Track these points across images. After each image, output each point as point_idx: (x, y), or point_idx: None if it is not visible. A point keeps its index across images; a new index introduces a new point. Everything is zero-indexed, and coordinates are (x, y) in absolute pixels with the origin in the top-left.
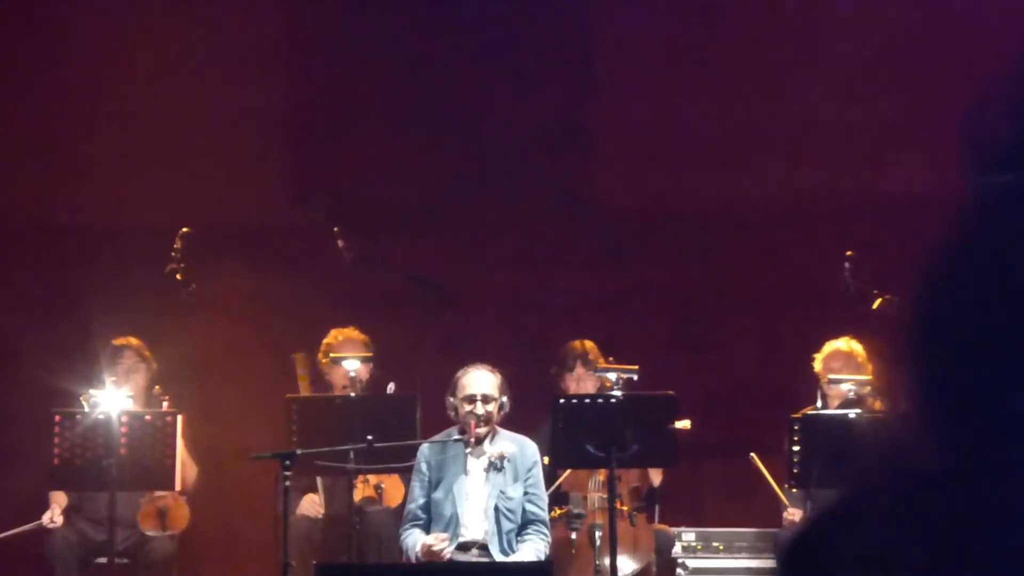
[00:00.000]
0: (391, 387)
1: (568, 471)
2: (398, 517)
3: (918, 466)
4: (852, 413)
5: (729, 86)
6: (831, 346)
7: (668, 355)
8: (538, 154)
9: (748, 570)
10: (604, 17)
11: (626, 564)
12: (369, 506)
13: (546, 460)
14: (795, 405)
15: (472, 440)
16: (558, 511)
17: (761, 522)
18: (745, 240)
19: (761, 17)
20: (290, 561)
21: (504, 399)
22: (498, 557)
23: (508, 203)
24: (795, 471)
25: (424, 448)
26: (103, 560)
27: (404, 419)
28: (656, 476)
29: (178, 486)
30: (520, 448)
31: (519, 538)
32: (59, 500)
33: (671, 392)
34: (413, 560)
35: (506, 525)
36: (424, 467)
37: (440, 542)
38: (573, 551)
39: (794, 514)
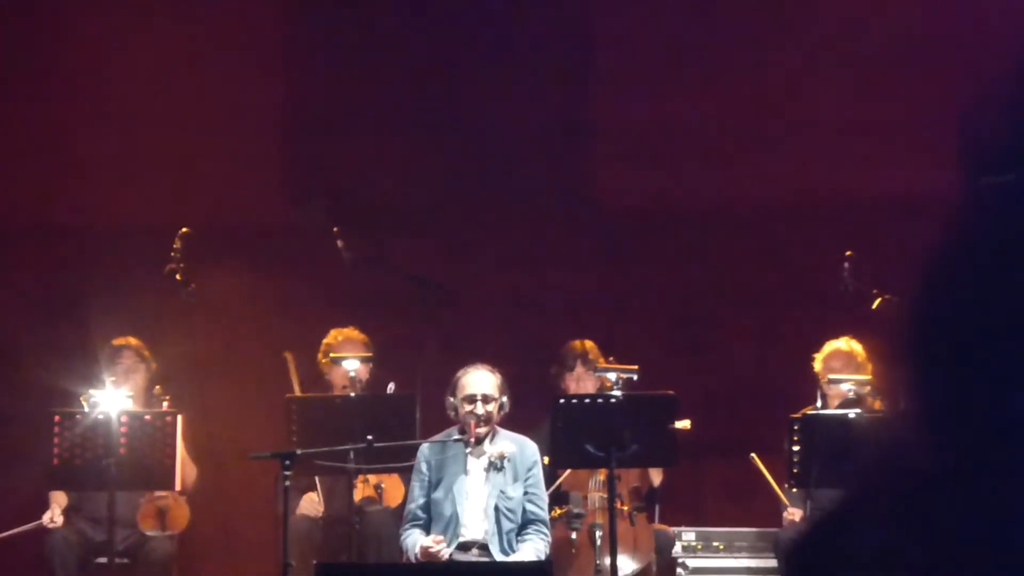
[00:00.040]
0: (391, 387)
1: (568, 471)
2: (398, 517)
3: (918, 466)
4: (852, 413)
5: (729, 86)
6: (831, 346)
7: (668, 355)
8: (538, 154)
9: (748, 570)
10: (604, 17)
11: (626, 564)
12: (369, 506)
13: (546, 460)
14: (795, 405)
15: (472, 440)
16: (558, 511)
17: (761, 522)
18: (745, 240)
19: (761, 17)
20: (290, 561)
21: (504, 399)
22: (498, 557)
23: (508, 203)
24: (795, 471)
25: (424, 448)
26: (103, 560)
27: (404, 419)
28: (656, 476)
29: (178, 486)
30: (520, 448)
31: (519, 538)
32: (59, 500)
33: (671, 392)
34: (413, 560)
35: (506, 525)
36: (424, 467)
37: (437, 544)
38: (573, 551)
39: (794, 513)
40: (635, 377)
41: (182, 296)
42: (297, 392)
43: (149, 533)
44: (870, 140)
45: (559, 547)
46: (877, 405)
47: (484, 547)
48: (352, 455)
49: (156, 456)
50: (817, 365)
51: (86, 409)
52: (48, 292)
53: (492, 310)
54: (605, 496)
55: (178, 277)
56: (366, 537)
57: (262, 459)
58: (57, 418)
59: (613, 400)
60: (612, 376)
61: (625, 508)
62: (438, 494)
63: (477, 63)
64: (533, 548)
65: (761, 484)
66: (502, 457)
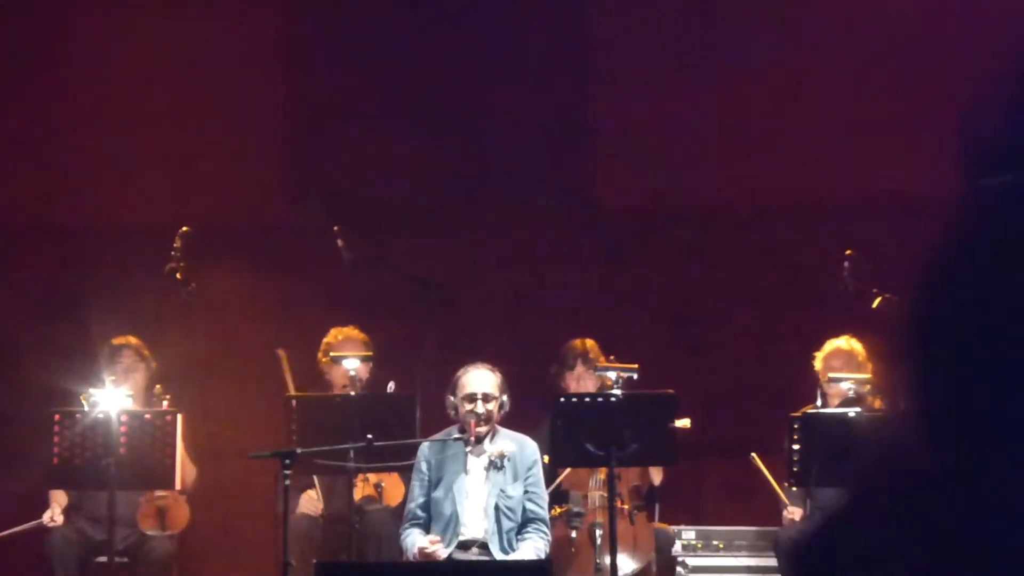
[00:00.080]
0: (391, 386)
1: (568, 470)
2: (398, 516)
3: (918, 466)
4: (852, 412)
5: (728, 86)
6: (831, 345)
7: (668, 354)
8: (538, 154)
9: (748, 568)
10: (604, 17)
11: (626, 563)
12: (369, 505)
13: (546, 459)
14: (795, 404)
15: (472, 439)
16: (558, 510)
17: (761, 521)
18: (745, 239)
19: (761, 17)
20: (290, 560)
21: (504, 398)
22: (498, 556)
23: (508, 203)
24: (795, 470)
25: (424, 447)
26: (103, 559)
27: (404, 418)
28: (656, 475)
29: (178, 485)
30: (520, 447)
31: (519, 537)
32: (59, 499)
33: (671, 391)
34: (412, 560)
35: (506, 524)
36: (424, 466)
37: (433, 544)
38: (573, 550)
39: (794, 512)
40: (635, 376)
41: (182, 295)
42: (291, 389)
43: (149, 532)
44: (870, 140)
45: (559, 546)
46: (877, 404)
47: (484, 546)
48: (352, 454)
49: (156, 455)
50: (817, 364)
51: (86, 408)
52: (48, 291)
53: (492, 310)
54: (605, 495)
55: (178, 276)
56: (366, 536)
57: (262, 458)
58: (57, 417)
59: (613, 399)
60: (612, 375)
61: (625, 507)
62: (438, 493)
63: (477, 63)
64: (533, 547)
65: (761, 483)
66: (502, 456)
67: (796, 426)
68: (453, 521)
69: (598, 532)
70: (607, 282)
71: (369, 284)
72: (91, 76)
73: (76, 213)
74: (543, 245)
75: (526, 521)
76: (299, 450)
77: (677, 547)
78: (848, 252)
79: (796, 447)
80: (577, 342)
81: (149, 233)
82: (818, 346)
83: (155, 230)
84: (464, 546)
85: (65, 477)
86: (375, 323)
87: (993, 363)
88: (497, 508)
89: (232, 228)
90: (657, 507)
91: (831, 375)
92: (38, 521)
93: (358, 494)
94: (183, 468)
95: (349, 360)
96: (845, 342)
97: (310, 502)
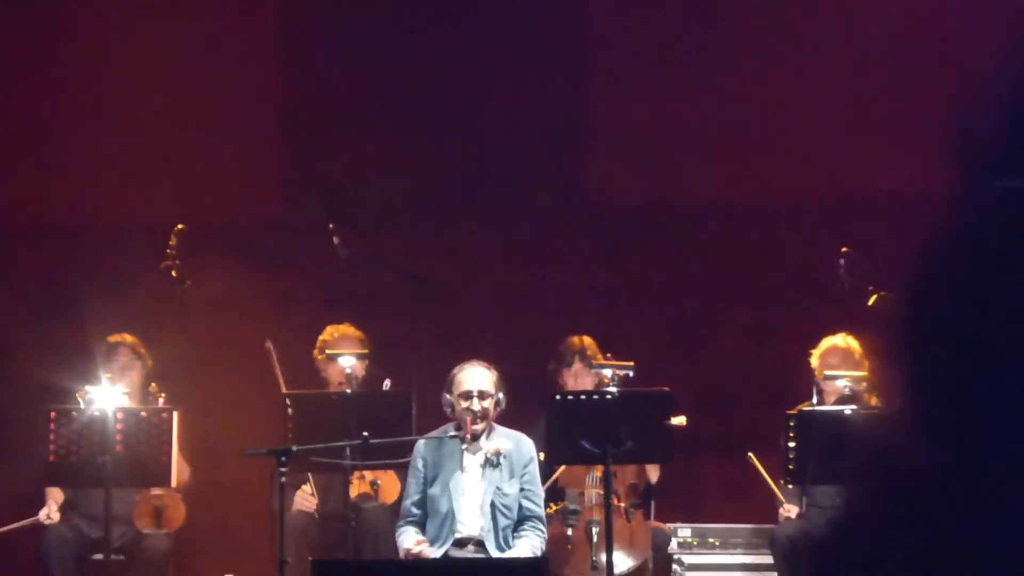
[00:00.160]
0: (387, 383)
1: (564, 467)
2: (394, 513)
3: (915, 464)
4: (848, 409)
5: (728, 85)
6: (828, 342)
7: (664, 351)
8: (538, 154)
9: (744, 566)
10: (603, 16)
11: (622, 560)
12: (365, 502)
13: (542, 456)
14: (791, 401)
15: (468, 436)
16: (554, 507)
17: (757, 518)
18: (742, 237)
19: (761, 17)
20: (286, 558)
21: (500, 395)
22: (494, 553)
23: (508, 202)
24: (791, 467)
25: (420, 444)
26: (99, 557)
27: (400, 415)
28: (653, 472)
29: (174, 482)
30: (516, 444)
31: (515, 534)
32: (55, 496)
33: (667, 388)
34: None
35: (502, 521)
36: (420, 463)
37: (419, 545)
38: (569, 547)
39: (789, 510)
40: (631, 373)
41: (178, 293)
42: (280, 383)
43: (145, 530)
44: (867, 139)
45: (555, 543)
46: (873, 401)
47: (480, 543)
48: (348, 452)
49: (152, 453)
50: (814, 361)
51: (82, 406)
52: (44, 289)
53: (490, 307)
54: (601, 492)
55: (174, 274)
56: (362, 534)
57: (258, 456)
58: (53, 415)
59: (609, 396)
60: (608, 372)
61: (621, 505)
62: (434, 490)
63: (475, 62)
64: (529, 544)
65: (757, 481)
66: (498, 453)
67: (792, 423)
68: (449, 518)
69: (594, 530)
70: (604, 280)
71: (365, 281)
72: (89, 75)
73: (73, 211)
74: (542, 244)
75: (522, 519)
76: (295, 448)
77: (673, 545)
78: (844, 249)
79: (792, 444)
80: (575, 339)
81: (145, 231)
82: (814, 343)
83: (151, 227)
84: (460, 543)
85: (61, 474)
86: (371, 320)
87: (992, 362)
88: (493, 505)
89: (228, 225)
90: (653, 505)
91: (827, 372)
92: (34, 518)
93: (354, 492)
94: (177, 468)
95: (345, 357)
96: (842, 339)
97: (304, 498)
